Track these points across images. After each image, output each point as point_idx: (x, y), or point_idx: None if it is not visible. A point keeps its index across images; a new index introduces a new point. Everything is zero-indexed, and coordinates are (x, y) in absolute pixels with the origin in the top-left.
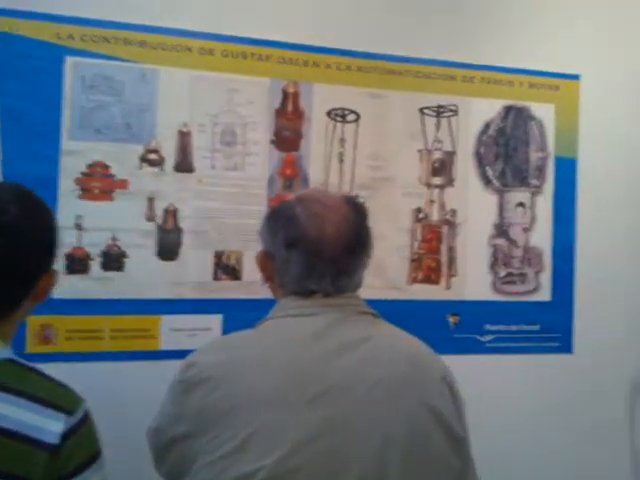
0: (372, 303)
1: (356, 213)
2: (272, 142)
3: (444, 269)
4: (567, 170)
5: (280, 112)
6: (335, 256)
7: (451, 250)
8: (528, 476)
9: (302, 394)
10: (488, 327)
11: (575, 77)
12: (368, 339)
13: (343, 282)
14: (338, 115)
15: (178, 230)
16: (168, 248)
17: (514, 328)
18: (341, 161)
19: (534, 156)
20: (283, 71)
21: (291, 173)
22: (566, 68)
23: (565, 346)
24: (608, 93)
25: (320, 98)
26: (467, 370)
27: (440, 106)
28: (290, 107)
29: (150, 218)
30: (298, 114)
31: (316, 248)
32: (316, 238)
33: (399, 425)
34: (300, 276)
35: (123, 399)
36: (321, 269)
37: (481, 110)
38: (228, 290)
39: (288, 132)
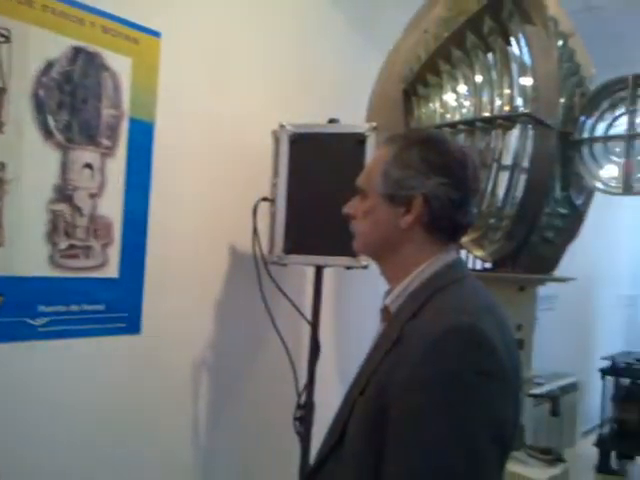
0: None
1: None
2: None
3: None
4: (143, 133)
5: None
6: None
7: None
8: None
9: None
10: (42, 308)
11: (156, 34)
12: None
13: None
14: None
15: None
16: None
17: (75, 309)
18: None
19: (106, 113)
20: None
21: None
22: (147, 21)
23: (132, 327)
24: (190, 57)
25: None
26: (14, 360)
27: None
28: None
29: None
30: None
31: None
32: None
33: None
34: None
35: None
36: None
37: (43, 44)
38: None
39: None
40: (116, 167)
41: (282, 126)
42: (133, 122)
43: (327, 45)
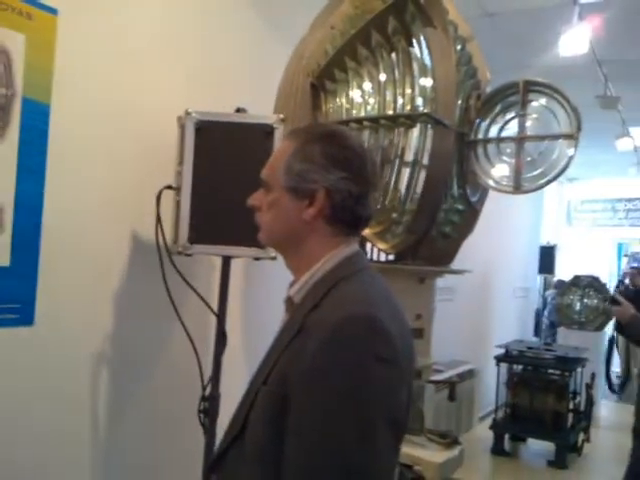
0: None
1: None
2: None
3: None
4: (37, 115)
5: None
6: None
7: None
8: None
9: None
10: None
11: (52, 10)
12: None
13: None
14: None
15: None
16: None
17: None
18: None
19: None
20: None
21: None
22: None
23: (25, 318)
24: (91, 37)
25: None
26: None
27: None
28: None
29: None
30: None
31: None
32: None
33: None
34: None
35: None
36: None
37: None
38: None
39: None
40: (8, 149)
41: (188, 113)
42: (27, 102)
43: (236, 34)
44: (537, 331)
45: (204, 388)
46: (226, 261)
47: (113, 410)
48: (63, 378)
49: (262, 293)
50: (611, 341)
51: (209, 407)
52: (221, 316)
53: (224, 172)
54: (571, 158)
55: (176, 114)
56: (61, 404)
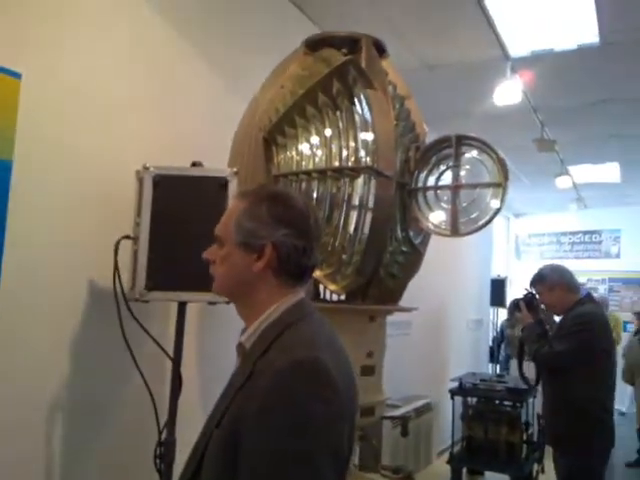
0: None
1: None
2: None
3: None
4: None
5: None
6: None
7: None
8: None
9: None
10: None
11: (15, 75)
12: None
13: None
14: None
15: None
16: None
17: None
18: None
19: None
20: None
21: None
22: (7, 62)
23: None
24: (50, 98)
25: None
26: None
27: None
28: None
29: None
30: None
31: None
32: None
33: None
34: None
35: None
36: None
37: None
38: None
39: None
40: None
41: (146, 168)
42: None
43: (193, 90)
44: (497, 361)
45: (160, 433)
46: (182, 307)
47: (69, 459)
48: (18, 428)
49: (217, 338)
50: None
51: (165, 452)
52: (177, 361)
53: (180, 222)
54: (501, 204)
55: (133, 168)
56: (13, 451)
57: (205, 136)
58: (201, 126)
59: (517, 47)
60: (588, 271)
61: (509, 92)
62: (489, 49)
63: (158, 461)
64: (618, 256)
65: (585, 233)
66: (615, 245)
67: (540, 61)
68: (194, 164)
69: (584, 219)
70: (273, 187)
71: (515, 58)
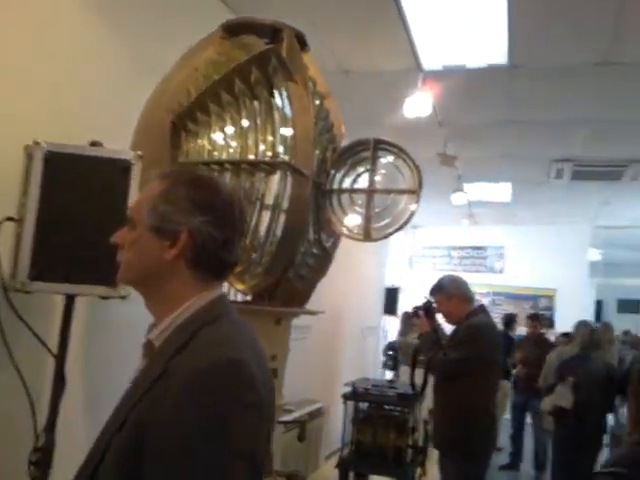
0: None
1: None
2: None
3: None
4: None
5: None
6: None
7: None
8: None
9: None
10: None
11: None
12: None
13: None
14: None
15: None
16: None
17: None
18: None
19: None
20: None
21: None
22: None
23: None
24: None
25: None
26: None
27: None
28: None
29: None
30: None
31: None
32: None
33: None
34: None
35: None
36: None
37: None
38: None
39: None
40: None
41: (37, 143)
42: None
43: (96, 67)
44: (393, 367)
45: (37, 437)
46: (70, 300)
47: None
48: None
49: (108, 335)
50: None
51: (41, 459)
52: (60, 358)
53: (74, 207)
54: (413, 211)
55: (23, 143)
56: None
57: (106, 116)
58: (102, 105)
59: (430, 60)
60: (474, 284)
61: (419, 104)
62: (403, 58)
63: (32, 468)
64: (502, 271)
65: (473, 248)
66: (499, 261)
67: (451, 76)
68: (93, 144)
69: (473, 235)
70: (197, 171)
71: (427, 71)
